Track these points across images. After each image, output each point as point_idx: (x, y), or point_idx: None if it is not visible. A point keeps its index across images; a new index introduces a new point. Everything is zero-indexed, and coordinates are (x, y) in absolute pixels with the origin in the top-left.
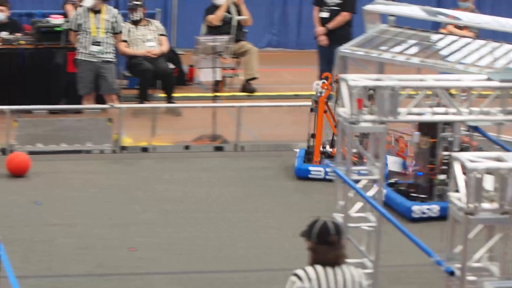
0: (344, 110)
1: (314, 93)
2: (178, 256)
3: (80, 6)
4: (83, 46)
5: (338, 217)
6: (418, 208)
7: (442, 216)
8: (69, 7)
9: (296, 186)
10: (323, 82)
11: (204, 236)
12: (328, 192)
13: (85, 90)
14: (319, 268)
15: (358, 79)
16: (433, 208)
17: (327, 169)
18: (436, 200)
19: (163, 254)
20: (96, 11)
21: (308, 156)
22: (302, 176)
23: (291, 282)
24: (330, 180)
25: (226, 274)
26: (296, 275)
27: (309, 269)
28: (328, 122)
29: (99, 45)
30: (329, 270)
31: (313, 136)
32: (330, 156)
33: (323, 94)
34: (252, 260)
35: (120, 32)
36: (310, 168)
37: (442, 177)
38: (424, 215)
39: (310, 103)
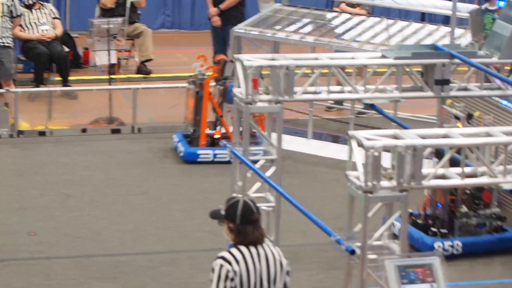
0: (240, 91)
1: (194, 74)
2: (77, 240)
3: None
4: None
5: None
6: (439, 245)
7: (466, 253)
8: None
9: (190, 169)
10: (201, 64)
11: (104, 219)
12: (221, 173)
13: None
14: (243, 248)
15: (253, 59)
16: (456, 245)
17: (216, 152)
18: (458, 235)
19: (62, 238)
20: None
21: (188, 139)
22: (191, 160)
23: (219, 265)
24: (218, 163)
25: (128, 256)
26: (223, 258)
27: (234, 250)
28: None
29: None
30: (253, 249)
31: (196, 119)
32: (213, 139)
33: (206, 77)
34: (155, 242)
35: (18, 16)
36: (199, 151)
37: (464, 209)
38: (447, 253)
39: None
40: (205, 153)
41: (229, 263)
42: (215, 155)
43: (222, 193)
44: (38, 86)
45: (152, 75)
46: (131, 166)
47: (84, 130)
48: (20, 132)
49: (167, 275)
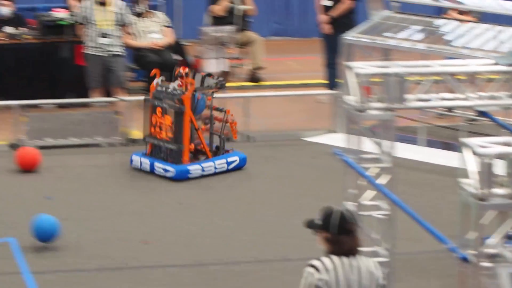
0: (352, 98)
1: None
2: (197, 247)
3: None
4: (91, 40)
5: (349, 206)
6: None
7: None
8: (72, 2)
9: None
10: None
11: (218, 226)
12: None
13: (94, 83)
14: (335, 258)
15: (364, 67)
16: None
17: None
18: None
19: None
20: (102, 3)
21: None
22: (183, 177)
23: (309, 273)
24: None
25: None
26: (313, 266)
27: (326, 259)
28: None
29: (107, 38)
30: (345, 260)
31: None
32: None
33: (186, 92)
34: (247, 249)
35: (128, 24)
36: (189, 167)
37: None
38: None
39: (317, 92)
40: (195, 169)
41: (319, 271)
42: (202, 169)
43: (307, 199)
44: (149, 94)
45: (263, 83)
46: (246, 174)
47: None
48: (132, 141)
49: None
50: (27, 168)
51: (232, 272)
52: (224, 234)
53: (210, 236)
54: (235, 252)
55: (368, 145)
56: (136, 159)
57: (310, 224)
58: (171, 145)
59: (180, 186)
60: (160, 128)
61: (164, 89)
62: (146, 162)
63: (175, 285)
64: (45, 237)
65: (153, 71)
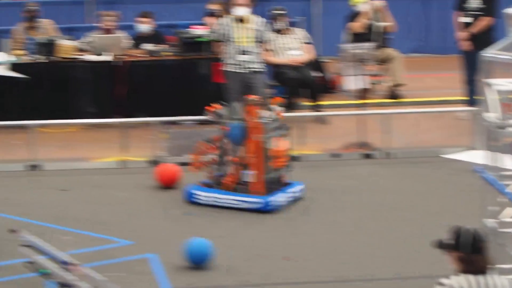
0: (492, 115)
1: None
2: (338, 264)
3: (224, 16)
4: (230, 57)
5: (489, 223)
6: None
7: None
8: (210, 19)
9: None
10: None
11: (358, 242)
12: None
13: (233, 100)
14: (471, 277)
15: (505, 84)
16: None
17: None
18: None
19: (323, 262)
20: (242, 20)
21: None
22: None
23: None
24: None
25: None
26: (446, 285)
27: (462, 279)
28: None
29: (246, 55)
30: (481, 279)
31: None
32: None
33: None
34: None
35: (267, 41)
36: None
37: None
38: None
39: (457, 108)
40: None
41: None
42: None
43: (445, 216)
44: (289, 111)
45: (403, 100)
46: (385, 191)
47: (335, 155)
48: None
49: None
50: (167, 184)
51: None
52: (364, 250)
53: (349, 253)
54: (376, 268)
55: (508, 162)
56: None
57: (441, 245)
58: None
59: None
60: None
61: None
62: None
63: None
64: (199, 260)
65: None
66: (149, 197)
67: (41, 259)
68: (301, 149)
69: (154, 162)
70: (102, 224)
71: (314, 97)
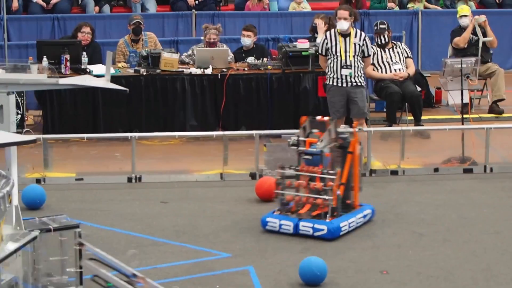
0: None
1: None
2: (430, 279)
3: (328, 30)
4: (333, 70)
5: None
6: None
7: None
8: (314, 33)
9: None
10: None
11: (457, 258)
12: None
13: (336, 115)
14: None
15: None
16: None
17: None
18: None
19: (414, 277)
20: (345, 34)
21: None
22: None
23: None
24: None
25: None
26: None
27: None
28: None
29: (349, 69)
30: None
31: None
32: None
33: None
34: (508, 281)
35: (370, 55)
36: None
37: None
38: None
39: None
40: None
41: None
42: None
43: None
44: (390, 125)
45: (504, 115)
46: (484, 205)
47: (436, 170)
48: (373, 171)
49: None
50: (266, 197)
51: None
52: (452, 263)
53: (438, 267)
54: (466, 282)
55: None
56: None
57: None
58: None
59: None
60: None
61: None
62: None
63: None
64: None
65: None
66: (248, 210)
67: (105, 273)
68: (402, 163)
69: (254, 175)
70: (201, 237)
71: (416, 111)
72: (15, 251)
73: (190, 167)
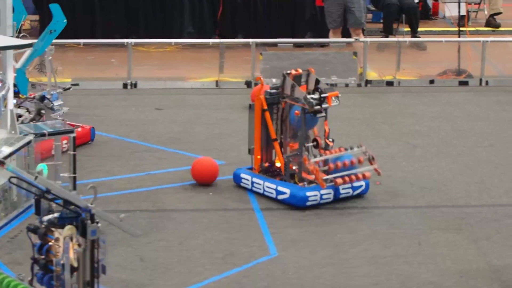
0: None
1: None
2: (423, 190)
3: None
4: None
5: None
6: None
7: None
8: None
9: None
10: None
11: (450, 170)
12: None
13: (333, 24)
14: None
15: None
16: None
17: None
18: None
19: (408, 188)
20: None
21: None
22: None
23: None
24: None
25: (473, 208)
26: None
27: None
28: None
29: None
30: None
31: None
32: None
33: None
34: (501, 194)
35: None
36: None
37: None
38: None
39: None
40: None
41: None
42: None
43: None
44: (387, 36)
45: (501, 29)
46: (478, 118)
47: (432, 81)
48: (368, 82)
49: None
50: None
51: None
52: (444, 175)
53: (432, 178)
54: (454, 191)
55: None
56: None
57: None
58: None
59: None
60: None
61: None
62: None
63: None
64: None
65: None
66: (243, 118)
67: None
68: (398, 74)
69: (249, 84)
70: (196, 144)
71: (413, 23)
72: (10, 155)
73: (186, 74)
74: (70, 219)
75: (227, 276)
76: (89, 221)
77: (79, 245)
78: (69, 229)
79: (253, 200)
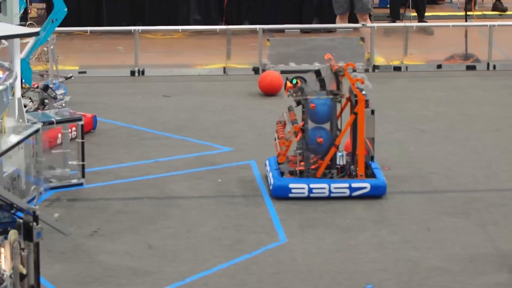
0: None
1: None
2: (431, 175)
3: None
4: None
5: None
6: None
7: None
8: None
9: None
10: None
11: (458, 155)
12: None
13: (340, 10)
14: None
15: None
16: None
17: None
18: None
19: (415, 173)
20: None
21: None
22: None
23: None
24: None
25: (481, 193)
26: None
27: None
28: None
29: None
30: None
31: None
32: None
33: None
34: (509, 179)
35: None
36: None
37: None
38: None
39: None
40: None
41: None
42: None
43: None
44: (394, 21)
45: (508, 13)
46: (485, 103)
47: (439, 66)
48: (376, 67)
49: None
50: (269, 92)
51: None
52: (451, 159)
53: (438, 163)
54: (461, 176)
55: None
56: None
57: None
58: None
59: None
60: None
61: None
62: None
63: None
64: None
65: None
66: (251, 104)
67: None
68: (405, 59)
69: (257, 70)
70: (203, 131)
71: (420, 8)
72: (18, 143)
73: (192, 61)
74: (4, 225)
75: (235, 263)
76: (34, 223)
77: (22, 249)
78: (13, 234)
79: (262, 186)
